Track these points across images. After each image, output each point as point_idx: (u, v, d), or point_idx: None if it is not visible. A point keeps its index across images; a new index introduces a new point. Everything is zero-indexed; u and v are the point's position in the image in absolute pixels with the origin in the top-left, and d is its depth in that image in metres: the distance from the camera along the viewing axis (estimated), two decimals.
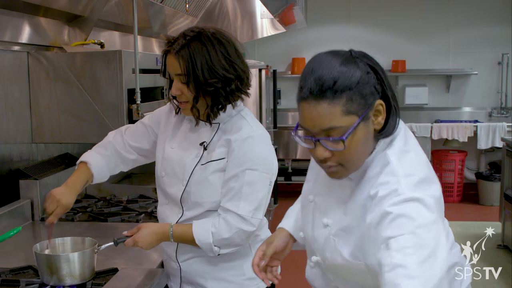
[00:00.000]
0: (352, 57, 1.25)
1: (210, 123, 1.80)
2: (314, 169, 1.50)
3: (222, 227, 1.74)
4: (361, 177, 1.30)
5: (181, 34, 1.76)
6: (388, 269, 1.14)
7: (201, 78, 1.70)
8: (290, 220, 1.61)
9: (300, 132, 1.30)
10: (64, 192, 1.82)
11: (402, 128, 1.34)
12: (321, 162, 1.28)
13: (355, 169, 1.29)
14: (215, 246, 1.75)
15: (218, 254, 1.79)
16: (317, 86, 1.20)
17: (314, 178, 1.49)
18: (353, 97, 1.20)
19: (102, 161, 1.95)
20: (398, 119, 1.30)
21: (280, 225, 1.63)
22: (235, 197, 1.75)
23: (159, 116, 1.99)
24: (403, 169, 1.26)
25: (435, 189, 1.26)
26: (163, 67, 1.81)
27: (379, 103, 1.24)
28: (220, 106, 1.77)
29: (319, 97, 1.20)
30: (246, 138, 1.77)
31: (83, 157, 1.93)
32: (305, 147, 1.29)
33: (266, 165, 1.79)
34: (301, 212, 1.51)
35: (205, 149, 1.81)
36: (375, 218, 1.21)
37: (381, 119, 1.25)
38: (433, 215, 1.20)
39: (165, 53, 1.76)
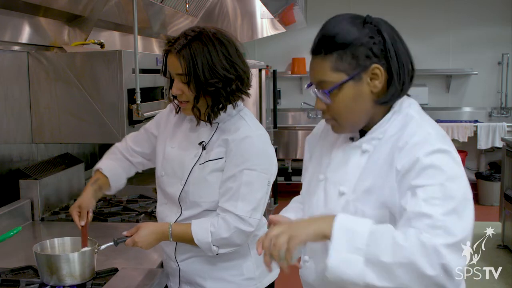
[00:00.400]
0: (362, 20, 1.35)
1: (211, 123, 1.81)
2: (313, 157, 1.54)
3: (221, 227, 1.75)
4: (378, 138, 1.35)
5: (182, 34, 1.77)
6: (413, 216, 1.19)
7: (202, 78, 1.71)
8: (290, 214, 1.58)
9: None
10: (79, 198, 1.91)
11: (418, 107, 1.39)
12: (322, 114, 1.40)
13: (350, 126, 1.38)
14: (214, 245, 1.76)
15: (217, 254, 1.79)
16: (317, 43, 1.33)
17: (317, 162, 1.51)
18: (343, 56, 1.30)
19: (114, 163, 2.01)
20: (401, 90, 1.34)
21: (282, 213, 1.61)
22: (233, 197, 1.76)
23: (159, 118, 2.01)
24: (428, 123, 1.34)
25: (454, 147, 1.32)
26: (163, 66, 1.81)
27: (376, 67, 1.30)
28: (220, 106, 1.77)
29: (316, 52, 1.34)
30: (244, 138, 1.78)
31: (95, 167, 2.00)
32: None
33: (264, 165, 1.79)
34: (307, 199, 1.50)
35: (203, 148, 1.81)
36: (406, 164, 1.25)
37: (378, 83, 1.32)
38: (460, 169, 1.27)
39: (166, 53, 1.77)
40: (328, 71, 1.31)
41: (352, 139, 1.42)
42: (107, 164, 2.00)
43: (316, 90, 1.35)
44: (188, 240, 1.78)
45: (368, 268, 1.18)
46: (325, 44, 1.31)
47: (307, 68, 6.03)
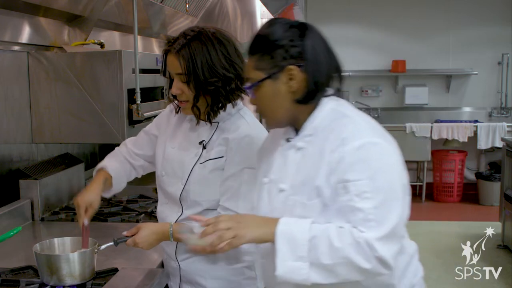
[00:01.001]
0: (291, 25, 1.42)
1: (210, 122, 1.81)
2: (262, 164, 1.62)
3: None
4: (310, 134, 1.45)
5: (181, 34, 1.77)
6: (348, 210, 1.32)
7: (201, 77, 1.71)
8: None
9: None
10: (80, 194, 1.88)
11: (345, 102, 1.50)
12: None
13: (273, 122, 1.49)
14: None
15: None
16: (249, 43, 1.47)
17: (262, 167, 1.60)
18: (263, 57, 1.42)
19: (117, 164, 2.01)
20: (318, 92, 1.44)
21: None
22: (234, 196, 1.77)
23: (159, 119, 2.02)
24: (358, 116, 1.44)
25: (391, 139, 1.42)
26: (163, 66, 1.81)
27: (291, 68, 1.40)
28: (220, 105, 1.78)
29: (248, 52, 1.47)
30: (244, 136, 1.78)
31: (98, 166, 1.99)
32: None
33: None
34: (256, 203, 1.58)
35: (204, 148, 1.82)
36: (336, 158, 1.35)
37: (294, 83, 1.41)
38: (390, 159, 1.37)
39: (166, 53, 1.78)
40: (251, 69, 1.45)
41: (288, 140, 1.51)
42: (111, 164, 1.99)
43: (245, 87, 1.50)
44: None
45: (312, 271, 1.32)
46: (251, 45, 1.45)
47: None
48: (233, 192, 1.77)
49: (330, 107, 1.45)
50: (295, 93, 1.43)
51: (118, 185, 2.01)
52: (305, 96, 1.43)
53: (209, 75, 1.72)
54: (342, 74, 1.47)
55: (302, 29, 1.42)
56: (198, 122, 1.83)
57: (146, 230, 1.76)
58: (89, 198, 1.85)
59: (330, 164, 1.36)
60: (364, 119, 1.44)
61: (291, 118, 1.48)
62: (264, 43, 1.42)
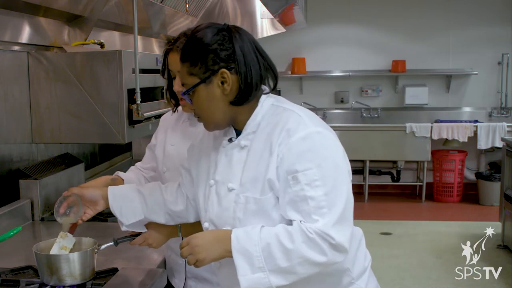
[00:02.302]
0: (218, 30, 1.45)
1: None
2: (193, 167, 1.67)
3: None
4: (253, 132, 1.49)
5: (181, 34, 1.82)
6: (299, 199, 1.37)
7: None
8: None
9: None
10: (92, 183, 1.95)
11: (281, 98, 1.57)
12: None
13: (212, 124, 1.52)
14: None
15: None
16: (181, 51, 1.50)
17: (203, 168, 1.62)
18: (196, 63, 1.45)
19: (129, 172, 2.10)
20: (252, 93, 1.47)
21: None
22: None
23: (157, 130, 2.08)
24: (297, 108, 1.50)
25: (329, 128, 1.49)
26: (163, 66, 1.83)
27: (223, 72, 1.44)
28: None
29: (180, 59, 1.50)
30: None
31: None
32: None
33: None
34: (203, 205, 1.60)
35: None
36: (283, 150, 1.40)
37: (226, 85, 1.45)
38: (332, 145, 1.43)
39: (167, 52, 1.81)
40: (185, 75, 1.49)
41: (230, 140, 1.54)
42: (123, 174, 2.07)
43: (182, 93, 1.52)
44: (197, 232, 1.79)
45: (273, 277, 1.37)
46: (183, 52, 1.48)
47: (307, 68, 6.11)
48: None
49: (269, 103, 1.51)
50: (229, 95, 1.47)
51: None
52: (239, 98, 1.47)
53: None
54: (275, 72, 1.53)
55: (230, 32, 1.46)
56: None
57: (156, 227, 1.77)
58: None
59: (278, 156, 1.41)
60: (304, 112, 1.49)
61: (230, 120, 1.52)
62: (195, 48, 1.45)
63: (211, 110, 1.49)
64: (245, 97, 1.47)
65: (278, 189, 1.42)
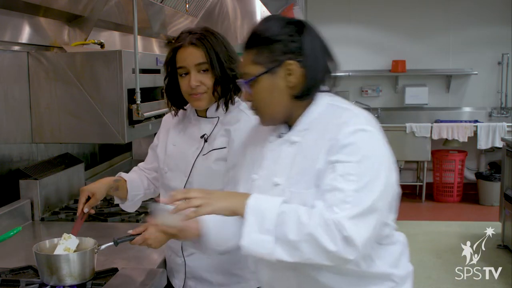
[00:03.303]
0: (287, 21, 1.43)
1: (227, 108, 1.86)
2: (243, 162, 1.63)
3: None
4: (306, 129, 1.45)
5: (185, 31, 1.83)
6: (328, 188, 1.32)
7: (224, 63, 1.80)
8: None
9: None
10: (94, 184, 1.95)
11: (339, 98, 1.51)
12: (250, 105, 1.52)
13: (269, 118, 1.48)
14: None
15: None
16: (246, 37, 1.47)
17: (249, 164, 1.59)
18: (262, 51, 1.42)
19: (133, 174, 2.09)
20: (316, 87, 1.45)
21: None
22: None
23: (160, 127, 2.07)
24: (354, 107, 1.46)
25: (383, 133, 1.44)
26: (168, 66, 1.82)
27: (290, 63, 1.41)
28: (229, 97, 1.85)
29: (244, 46, 1.47)
30: (245, 128, 1.82)
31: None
32: None
33: None
34: None
35: (205, 141, 1.86)
36: (330, 142, 1.37)
37: (292, 78, 1.42)
38: (381, 148, 1.38)
39: (177, 48, 1.82)
40: (248, 63, 1.45)
41: (279, 135, 1.51)
42: (126, 174, 2.07)
43: (240, 81, 1.48)
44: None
45: (277, 246, 1.31)
46: (249, 39, 1.45)
47: None
48: (237, 182, 1.78)
49: (326, 102, 1.47)
50: (292, 88, 1.43)
51: (134, 191, 2.04)
52: (303, 92, 1.43)
53: (228, 62, 1.81)
54: (337, 71, 1.48)
55: (300, 25, 1.44)
56: (219, 106, 1.87)
57: (156, 227, 1.77)
58: (93, 188, 1.90)
59: (327, 148, 1.38)
60: (360, 111, 1.45)
61: (287, 114, 1.48)
62: (262, 37, 1.42)
63: (271, 102, 1.45)
64: (309, 91, 1.44)
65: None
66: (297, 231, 1.29)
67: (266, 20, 1.46)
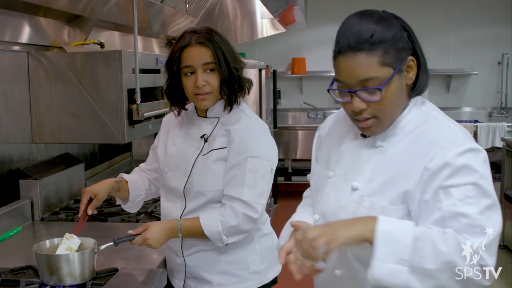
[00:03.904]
0: (385, 16, 1.35)
1: (231, 108, 1.86)
2: (321, 156, 1.55)
3: (229, 215, 1.78)
4: (394, 135, 1.35)
5: (190, 30, 1.82)
6: (450, 215, 1.22)
7: (231, 63, 1.80)
8: (308, 219, 1.53)
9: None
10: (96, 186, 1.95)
11: (431, 104, 1.42)
12: (357, 114, 1.33)
13: (388, 123, 1.34)
14: (223, 235, 1.79)
15: (226, 244, 1.82)
16: (355, 38, 1.28)
17: (325, 160, 1.50)
18: (389, 50, 1.28)
19: (134, 175, 2.09)
20: (427, 77, 1.37)
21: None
22: (238, 185, 1.79)
23: (161, 127, 2.07)
24: (449, 121, 1.35)
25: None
26: (173, 66, 1.82)
27: (411, 59, 1.32)
28: (234, 97, 1.85)
29: (356, 49, 1.27)
30: (245, 127, 1.84)
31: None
32: (340, 102, 1.36)
33: (267, 153, 1.84)
34: (316, 197, 1.49)
35: (205, 141, 1.86)
36: (437, 164, 1.25)
37: (412, 74, 1.33)
38: (487, 165, 1.28)
39: (182, 48, 1.80)
40: (375, 66, 1.27)
41: (363, 135, 1.41)
42: (127, 175, 2.08)
43: (358, 90, 1.29)
44: (197, 233, 1.81)
45: (412, 276, 1.20)
46: (368, 40, 1.27)
47: (307, 68, 6.08)
48: (237, 181, 1.80)
49: (417, 107, 1.37)
50: (410, 85, 1.36)
51: (136, 191, 2.05)
52: (419, 87, 1.36)
53: (234, 62, 1.82)
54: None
55: (395, 17, 1.38)
56: (226, 107, 1.86)
57: (155, 227, 1.79)
58: (95, 189, 1.90)
59: (428, 170, 1.26)
60: (456, 125, 1.35)
61: None
62: (385, 35, 1.28)
63: (397, 104, 1.33)
64: (425, 85, 1.36)
65: (414, 203, 1.29)
66: (434, 260, 1.20)
67: (367, 16, 1.33)
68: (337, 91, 1.35)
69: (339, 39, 1.32)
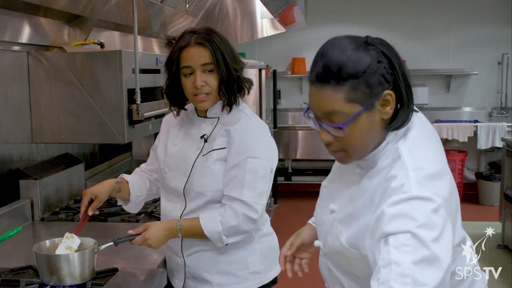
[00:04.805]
0: (365, 44, 1.25)
1: (231, 108, 1.86)
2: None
3: (229, 215, 1.78)
4: (371, 167, 1.30)
5: (190, 31, 1.82)
6: (383, 264, 1.14)
7: (230, 64, 1.80)
8: None
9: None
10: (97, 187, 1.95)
11: (419, 120, 1.32)
12: (326, 146, 1.29)
13: (359, 156, 1.29)
14: (223, 235, 1.79)
15: (226, 244, 1.82)
16: (324, 71, 1.21)
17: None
18: (357, 86, 1.20)
19: (135, 176, 2.09)
20: (410, 112, 1.27)
21: (309, 221, 1.64)
22: (238, 185, 1.79)
23: (161, 128, 2.06)
24: (413, 162, 1.24)
25: (446, 185, 1.24)
26: (172, 66, 1.81)
27: (388, 93, 1.22)
28: (233, 97, 1.84)
29: (324, 82, 1.21)
30: (245, 128, 1.83)
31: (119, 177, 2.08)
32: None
33: (266, 153, 1.84)
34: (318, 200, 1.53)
35: (205, 141, 1.86)
36: (377, 213, 1.20)
37: (389, 109, 1.24)
38: (437, 216, 1.17)
39: (181, 48, 1.80)
40: (341, 102, 1.21)
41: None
42: (128, 176, 2.07)
43: (324, 123, 1.25)
44: (197, 233, 1.80)
45: None
46: (335, 74, 1.20)
47: (307, 68, 6.06)
48: (237, 181, 1.80)
49: (395, 142, 1.28)
50: (387, 120, 1.26)
51: (136, 192, 2.05)
52: (398, 121, 1.25)
53: (233, 62, 1.81)
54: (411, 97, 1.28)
55: (378, 46, 1.26)
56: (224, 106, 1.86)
57: (155, 227, 1.79)
58: (96, 190, 1.90)
59: (373, 216, 1.22)
60: (417, 167, 1.22)
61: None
62: (354, 70, 1.20)
63: (367, 141, 1.26)
64: (405, 119, 1.25)
65: (362, 244, 1.25)
66: None
67: (341, 47, 1.23)
68: (311, 118, 1.30)
69: (312, 67, 1.26)
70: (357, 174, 1.33)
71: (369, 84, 1.20)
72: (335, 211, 1.36)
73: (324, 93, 1.22)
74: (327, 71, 1.21)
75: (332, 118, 1.23)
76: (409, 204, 1.17)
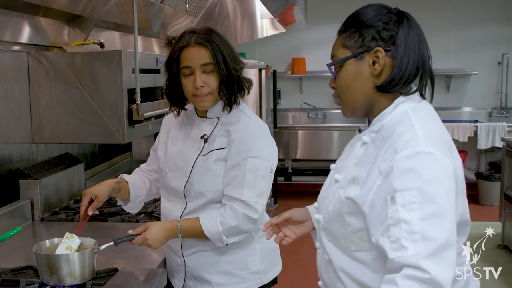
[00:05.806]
0: (386, 9, 1.37)
1: (231, 108, 1.86)
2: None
3: (229, 215, 1.78)
4: (373, 135, 1.37)
5: (189, 31, 1.82)
6: (392, 222, 1.20)
7: (230, 64, 1.79)
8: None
9: None
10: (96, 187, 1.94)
11: (431, 109, 1.39)
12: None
13: (350, 106, 1.41)
14: (223, 235, 1.79)
15: (226, 244, 1.82)
16: (344, 22, 1.41)
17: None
18: (352, 35, 1.36)
19: (135, 176, 2.10)
20: (406, 82, 1.34)
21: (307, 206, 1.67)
22: (238, 185, 1.79)
23: (161, 128, 2.07)
24: (421, 123, 1.30)
25: (454, 151, 1.31)
26: (172, 66, 1.81)
27: (378, 50, 1.33)
28: (233, 97, 1.84)
29: (339, 30, 1.42)
30: (245, 128, 1.83)
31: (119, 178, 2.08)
32: None
33: (266, 153, 1.84)
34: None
35: (205, 141, 1.86)
36: (387, 167, 1.25)
37: (378, 66, 1.34)
38: (444, 172, 1.22)
39: (181, 48, 1.80)
40: (338, 46, 1.39)
41: (360, 131, 1.45)
42: (128, 175, 2.08)
43: (328, 64, 1.41)
44: (197, 233, 1.81)
45: None
46: (345, 22, 1.40)
47: (307, 68, 6.11)
48: (237, 181, 1.80)
49: (403, 109, 1.34)
50: (377, 77, 1.35)
51: (136, 192, 2.05)
52: (387, 84, 1.33)
53: (233, 63, 1.81)
54: (430, 73, 1.38)
55: (400, 16, 1.36)
56: (224, 106, 1.86)
57: (155, 227, 1.79)
58: (96, 190, 1.90)
59: (381, 174, 1.26)
60: (423, 129, 1.28)
61: (368, 107, 1.39)
62: (356, 20, 1.37)
63: (353, 89, 1.37)
64: (394, 84, 1.33)
65: (364, 200, 1.28)
66: None
67: (367, 5, 1.39)
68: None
69: None
70: (363, 144, 1.38)
71: (362, 34, 1.35)
72: (339, 180, 1.40)
73: (336, 39, 1.42)
74: (344, 21, 1.41)
75: (332, 59, 1.41)
76: (416, 158, 1.22)
